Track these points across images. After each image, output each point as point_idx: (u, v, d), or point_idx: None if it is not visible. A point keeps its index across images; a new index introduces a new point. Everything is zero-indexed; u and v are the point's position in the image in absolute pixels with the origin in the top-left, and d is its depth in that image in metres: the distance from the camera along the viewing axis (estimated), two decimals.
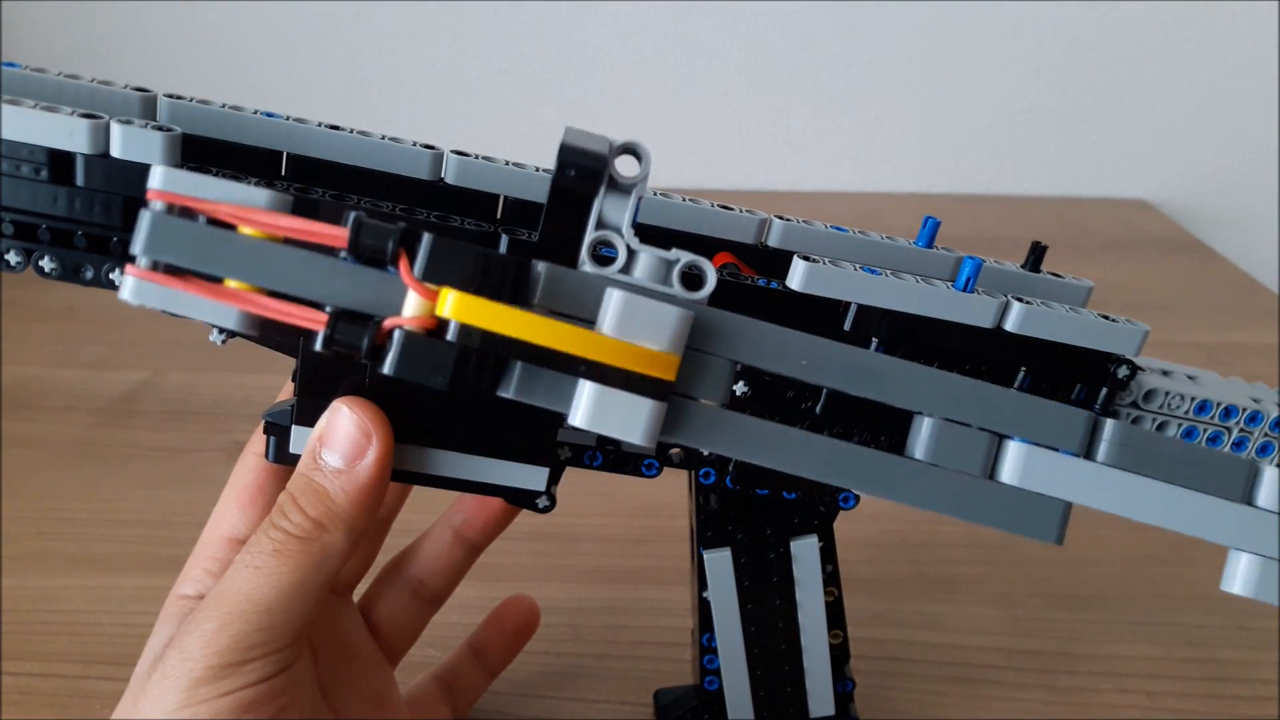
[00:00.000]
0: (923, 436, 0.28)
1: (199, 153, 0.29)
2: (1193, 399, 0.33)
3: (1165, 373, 0.35)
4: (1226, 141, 1.07)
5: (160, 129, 0.27)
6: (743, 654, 0.37)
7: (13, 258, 0.28)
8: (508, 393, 0.25)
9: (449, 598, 0.40)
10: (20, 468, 0.57)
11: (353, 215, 0.24)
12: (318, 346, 0.25)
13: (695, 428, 0.27)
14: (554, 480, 0.33)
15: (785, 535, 0.36)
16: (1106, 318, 0.31)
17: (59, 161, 0.27)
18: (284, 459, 0.31)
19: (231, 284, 0.25)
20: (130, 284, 0.24)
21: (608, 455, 0.34)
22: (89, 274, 0.29)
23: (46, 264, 0.28)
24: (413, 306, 0.24)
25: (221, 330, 0.30)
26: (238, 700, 0.28)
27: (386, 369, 0.24)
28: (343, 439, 0.29)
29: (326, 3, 0.98)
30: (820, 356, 0.27)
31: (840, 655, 0.38)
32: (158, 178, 0.24)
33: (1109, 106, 1.06)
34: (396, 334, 0.24)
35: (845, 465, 0.28)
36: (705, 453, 0.35)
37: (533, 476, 0.32)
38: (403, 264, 0.24)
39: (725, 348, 0.27)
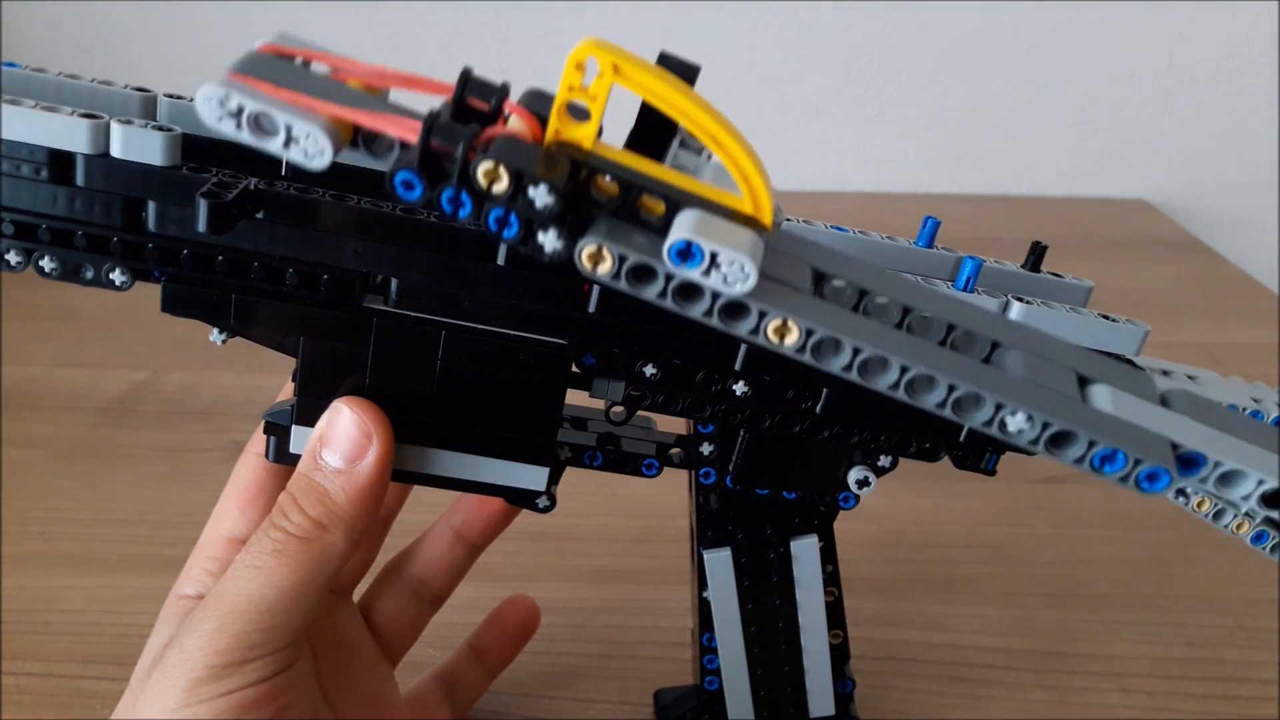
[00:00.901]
0: (1013, 360, 0.25)
1: (199, 152, 0.29)
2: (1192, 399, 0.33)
3: (1165, 373, 0.35)
4: (1226, 141, 1.07)
5: (160, 129, 0.27)
6: (743, 654, 0.37)
7: (13, 258, 0.28)
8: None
9: (449, 598, 0.40)
10: (20, 468, 0.57)
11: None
12: (413, 160, 0.23)
13: (788, 303, 0.24)
14: (554, 480, 0.33)
15: (785, 535, 0.36)
16: (1107, 318, 0.31)
17: (59, 161, 0.27)
18: (284, 459, 0.31)
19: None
20: (210, 89, 0.22)
21: (608, 455, 0.34)
22: (89, 274, 0.29)
23: (47, 264, 0.28)
24: (515, 124, 0.24)
25: (222, 330, 0.30)
26: (238, 700, 0.28)
27: (487, 159, 0.22)
28: (343, 439, 0.29)
29: (326, 3, 0.98)
30: (882, 278, 0.25)
31: (840, 655, 0.38)
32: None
33: (1109, 106, 1.06)
34: (499, 139, 0.23)
35: (938, 361, 0.25)
36: (706, 452, 0.35)
37: (533, 476, 0.32)
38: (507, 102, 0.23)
39: (801, 249, 0.26)
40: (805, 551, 0.36)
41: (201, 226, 0.25)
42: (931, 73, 1.05)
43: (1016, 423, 0.23)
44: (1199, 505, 0.36)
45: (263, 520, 0.30)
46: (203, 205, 0.25)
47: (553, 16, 1.01)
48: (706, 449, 0.35)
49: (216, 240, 0.28)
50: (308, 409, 0.30)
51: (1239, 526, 0.36)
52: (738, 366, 0.31)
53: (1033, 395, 0.23)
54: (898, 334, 0.25)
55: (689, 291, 0.23)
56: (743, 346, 0.31)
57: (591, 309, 0.30)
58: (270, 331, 0.30)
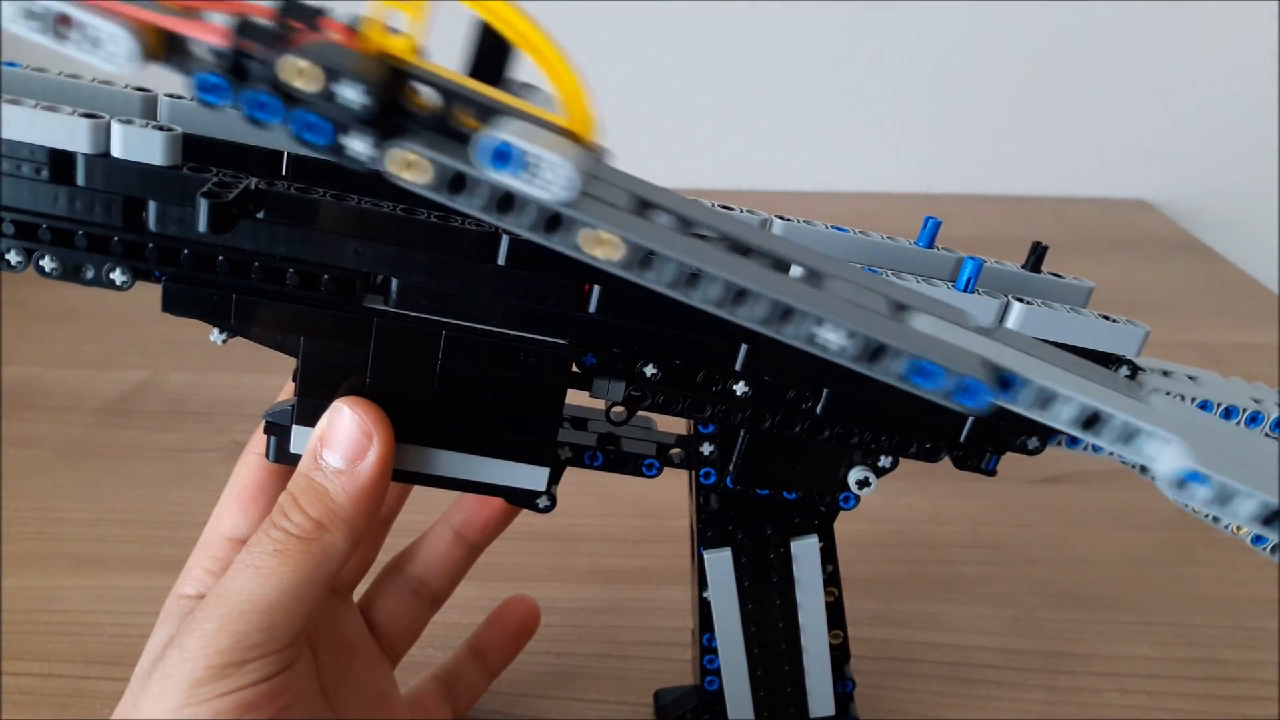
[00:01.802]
0: (836, 287, 0.26)
1: (199, 152, 0.29)
2: (1193, 399, 0.33)
3: (1166, 373, 0.35)
4: (1226, 141, 1.07)
5: (161, 129, 0.27)
6: (743, 654, 0.37)
7: (13, 257, 0.28)
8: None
9: (449, 598, 0.40)
10: (20, 468, 0.57)
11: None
12: (218, 61, 0.22)
13: (611, 216, 0.24)
14: (554, 480, 0.33)
15: (785, 535, 0.36)
16: (1107, 318, 0.31)
17: (60, 161, 0.27)
18: (284, 459, 0.31)
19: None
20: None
21: (608, 455, 0.34)
22: (89, 274, 0.29)
23: (47, 264, 0.28)
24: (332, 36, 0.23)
25: (222, 330, 0.30)
26: (238, 700, 0.28)
27: (298, 57, 0.22)
28: (344, 439, 0.29)
29: (326, 3, 0.98)
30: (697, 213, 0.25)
31: (840, 655, 0.38)
32: None
33: (1109, 106, 1.06)
34: (313, 41, 0.22)
35: (762, 278, 0.24)
36: (706, 452, 0.35)
37: (533, 476, 0.32)
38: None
39: (623, 180, 0.25)
40: (805, 552, 0.36)
41: (202, 226, 0.25)
42: (932, 73, 1.05)
43: (836, 339, 0.23)
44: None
45: (263, 520, 0.30)
46: (203, 205, 0.25)
47: (552, 16, 1.01)
48: (707, 449, 0.35)
49: (217, 240, 0.28)
50: (308, 409, 0.30)
51: (1239, 528, 0.36)
52: (738, 367, 0.31)
53: (851, 313, 0.23)
54: (722, 252, 0.25)
55: (508, 203, 0.23)
56: (743, 347, 0.31)
57: (592, 309, 0.30)
58: (271, 331, 0.30)
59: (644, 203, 0.25)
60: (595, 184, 0.24)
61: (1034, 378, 0.23)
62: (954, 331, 0.25)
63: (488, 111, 0.23)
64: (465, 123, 0.23)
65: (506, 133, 0.22)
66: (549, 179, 0.22)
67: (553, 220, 0.23)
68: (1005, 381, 0.23)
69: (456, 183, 0.22)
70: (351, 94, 0.22)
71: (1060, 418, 0.23)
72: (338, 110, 0.22)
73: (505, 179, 0.22)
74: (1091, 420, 0.23)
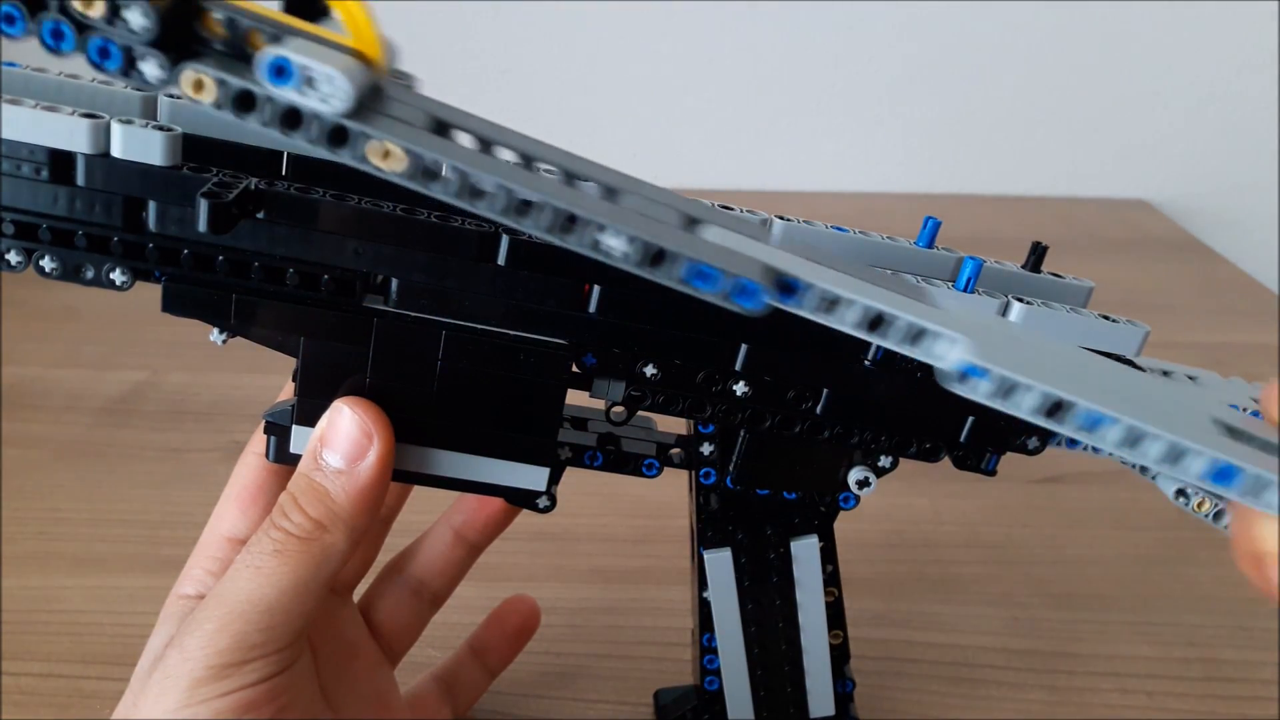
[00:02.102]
0: (625, 200, 0.26)
1: (200, 152, 0.29)
2: None
3: (1166, 373, 0.35)
4: (1226, 141, 1.07)
5: (161, 129, 0.27)
6: (743, 654, 0.37)
7: (13, 257, 0.28)
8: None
9: (449, 598, 0.40)
10: (20, 468, 0.57)
11: None
12: None
13: (393, 129, 0.24)
14: (554, 480, 0.33)
15: (785, 535, 0.36)
16: (1107, 318, 0.31)
17: (59, 161, 0.27)
18: (284, 459, 0.31)
19: None
20: None
21: (608, 455, 0.34)
22: (89, 274, 0.29)
23: (47, 264, 0.28)
24: None
25: (222, 331, 0.30)
26: (238, 700, 0.28)
27: None
28: (344, 439, 0.29)
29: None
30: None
31: (840, 655, 0.38)
32: None
33: (1109, 106, 1.06)
34: None
35: (544, 186, 0.24)
36: (706, 452, 0.35)
37: (533, 476, 0.32)
38: None
39: (422, 102, 0.26)
40: (805, 552, 0.36)
41: (202, 226, 0.25)
42: (931, 73, 1.05)
43: (618, 244, 0.23)
44: (1199, 506, 0.36)
45: (263, 520, 0.30)
46: (203, 205, 0.25)
47: (552, 16, 1.01)
48: (707, 449, 0.35)
49: (217, 240, 0.28)
50: (308, 409, 0.30)
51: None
52: (738, 367, 0.31)
53: (634, 220, 0.24)
54: (508, 165, 0.25)
55: (293, 119, 0.23)
56: (743, 347, 0.31)
57: (592, 309, 0.30)
58: (271, 331, 0.30)
59: (442, 123, 0.26)
60: (390, 104, 0.24)
61: (816, 281, 0.23)
62: (739, 240, 0.25)
63: (276, 35, 0.23)
64: (255, 45, 0.23)
65: (286, 49, 0.22)
66: (327, 92, 0.22)
67: (338, 134, 0.23)
68: (788, 286, 0.23)
69: (244, 101, 0.23)
70: (136, 17, 0.22)
71: (846, 321, 0.23)
72: (124, 34, 0.22)
73: (286, 93, 0.22)
74: (876, 322, 0.23)
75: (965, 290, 0.30)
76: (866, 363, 0.31)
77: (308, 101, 0.22)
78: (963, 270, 0.30)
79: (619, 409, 0.32)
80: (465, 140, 0.26)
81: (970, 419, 0.32)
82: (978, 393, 0.21)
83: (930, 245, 0.32)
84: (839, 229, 0.32)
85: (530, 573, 0.52)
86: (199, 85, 0.23)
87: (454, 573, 0.40)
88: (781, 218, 0.32)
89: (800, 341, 0.31)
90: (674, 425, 0.36)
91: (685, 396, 0.32)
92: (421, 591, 0.39)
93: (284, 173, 0.30)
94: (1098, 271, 0.36)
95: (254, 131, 0.29)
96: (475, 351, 0.30)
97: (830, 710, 0.39)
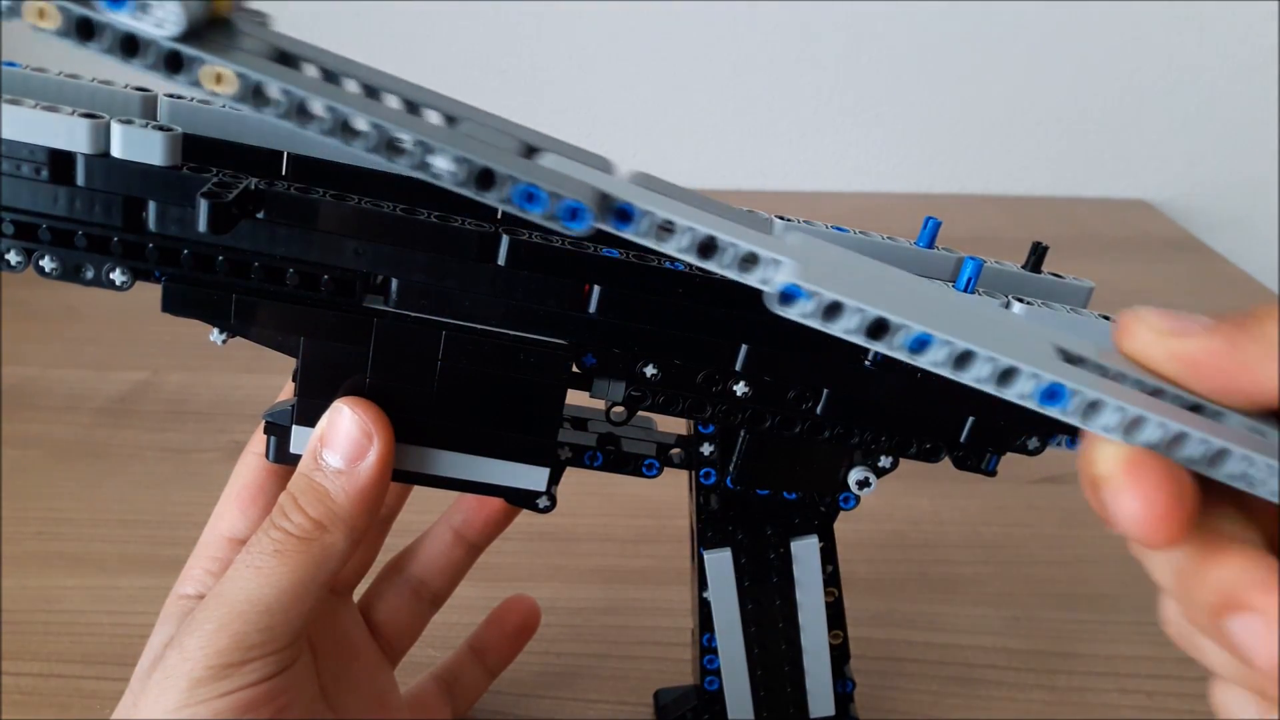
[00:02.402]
0: (462, 126, 0.26)
1: (200, 152, 0.29)
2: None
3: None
4: (1226, 141, 1.07)
5: (161, 129, 0.27)
6: (743, 654, 0.37)
7: (13, 257, 0.28)
8: None
9: (449, 597, 0.40)
10: (20, 468, 0.57)
11: None
12: None
13: (232, 55, 0.24)
14: (554, 480, 0.33)
15: (786, 535, 0.36)
16: (1107, 318, 0.31)
17: (59, 161, 0.27)
18: (284, 459, 0.31)
19: None
20: None
21: (608, 455, 0.34)
22: (89, 274, 0.29)
23: (47, 264, 0.28)
24: None
25: (222, 331, 0.30)
26: (237, 700, 0.28)
27: None
28: (344, 439, 0.29)
29: (326, 3, 0.98)
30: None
31: (840, 655, 0.38)
32: None
33: (1109, 106, 1.06)
34: None
35: (378, 111, 0.24)
36: (706, 452, 0.35)
37: (533, 477, 0.32)
38: None
39: (271, 36, 0.26)
40: (805, 552, 0.36)
41: (202, 226, 0.25)
42: (931, 72, 1.05)
43: (445, 165, 0.23)
44: None
45: (263, 520, 0.30)
46: (203, 205, 0.25)
47: (552, 16, 1.01)
48: (707, 449, 0.35)
49: (217, 240, 0.28)
50: (308, 409, 0.30)
51: None
52: (738, 367, 0.31)
53: (463, 142, 0.24)
54: (340, 90, 0.25)
55: (130, 45, 0.23)
56: (743, 347, 0.31)
57: (592, 309, 0.30)
58: (271, 331, 0.30)
59: (287, 54, 0.26)
60: (235, 36, 0.25)
61: (649, 207, 0.23)
62: (574, 167, 0.25)
63: None
64: None
65: None
66: (160, 16, 0.22)
67: (173, 59, 0.23)
68: (624, 213, 0.23)
69: (84, 28, 0.23)
70: None
71: (678, 246, 0.23)
72: None
73: (122, 18, 0.23)
74: (708, 248, 0.23)
75: (966, 290, 0.30)
76: (867, 363, 0.31)
77: (143, 26, 0.23)
78: (963, 270, 0.30)
79: (619, 409, 0.32)
80: (311, 71, 0.26)
81: (970, 419, 0.32)
82: (799, 313, 0.21)
83: (930, 245, 0.32)
84: (839, 229, 0.32)
85: (530, 572, 0.52)
86: (42, 14, 0.23)
87: (454, 572, 0.40)
88: (782, 218, 0.32)
89: (801, 342, 0.31)
90: (674, 425, 0.36)
91: (685, 397, 0.32)
92: (421, 591, 0.39)
93: (284, 173, 0.30)
94: (1098, 271, 0.36)
95: (254, 131, 0.30)
96: (475, 351, 0.30)
97: (830, 710, 0.39)
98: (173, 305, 0.29)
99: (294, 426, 0.31)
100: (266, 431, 0.31)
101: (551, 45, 1.02)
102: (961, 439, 0.33)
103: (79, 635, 0.47)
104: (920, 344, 0.21)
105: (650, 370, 0.31)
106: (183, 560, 0.33)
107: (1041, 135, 1.08)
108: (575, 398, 0.32)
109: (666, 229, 0.23)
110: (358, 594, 0.39)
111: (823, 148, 1.08)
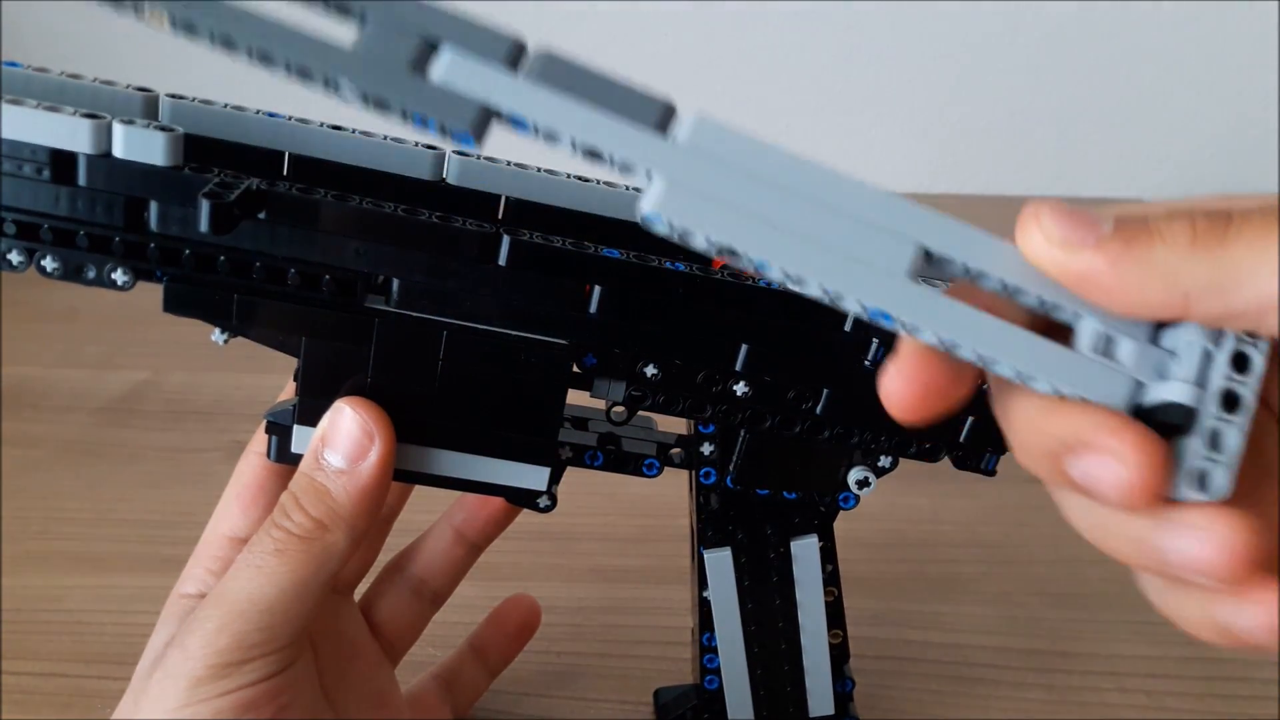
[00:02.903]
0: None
1: (201, 153, 0.29)
2: None
3: None
4: (1226, 141, 1.07)
5: (163, 129, 0.27)
6: (743, 653, 0.37)
7: (15, 257, 0.28)
8: None
9: (449, 597, 0.40)
10: (21, 468, 0.57)
11: None
12: None
13: None
14: (555, 480, 0.33)
15: (785, 535, 0.36)
16: None
17: (61, 161, 0.27)
18: (286, 459, 0.31)
19: None
20: None
21: (608, 455, 0.34)
22: (91, 274, 0.29)
23: (49, 264, 0.28)
24: None
25: (224, 330, 0.30)
26: (238, 699, 0.28)
27: None
28: (345, 439, 0.29)
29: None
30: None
31: (840, 655, 0.39)
32: None
33: (1109, 106, 1.06)
34: None
35: None
36: (706, 452, 0.35)
37: (534, 476, 0.32)
38: None
39: None
40: (805, 551, 0.36)
41: (204, 227, 0.25)
42: (931, 73, 1.05)
43: (349, 91, 0.23)
44: None
45: (264, 519, 0.30)
46: (205, 206, 0.25)
47: (552, 16, 1.01)
48: (707, 449, 0.35)
49: (218, 240, 0.28)
50: (310, 409, 0.30)
51: None
52: (738, 367, 0.31)
53: (358, 65, 0.24)
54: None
55: None
56: (744, 347, 0.31)
57: (593, 310, 0.30)
58: (272, 331, 0.30)
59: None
60: None
61: (535, 117, 0.23)
62: (471, 70, 0.24)
63: None
64: None
65: None
66: None
67: None
68: (516, 123, 0.23)
69: None
70: None
71: (569, 150, 0.22)
72: None
73: None
74: (593, 154, 0.22)
75: None
76: (866, 363, 0.31)
77: None
78: None
79: (619, 409, 0.32)
80: None
81: (970, 419, 0.33)
82: (660, 233, 0.21)
83: None
84: None
85: (530, 572, 0.52)
86: None
87: (455, 572, 0.40)
88: None
89: (801, 342, 0.31)
90: (674, 425, 0.36)
91: (686, 397, 0.32)
92: (422, 591, 0.39)
93: (285, 173, 0.30)
94: None
95: (256, 131, 0.30)
96: (476, 351, 0.30)
97: (830, 709, 0.39)
98: (174, 305, 0.29)
99: (295, 426, 0.31)
100: (268, 431, 0.31)
101: (551, 45, 1.02)
102: (961, 439, 0.33)
103: (79, 635, 0.47)
104: (760, 266, 0.21)
105: (651, 370, 0.31)
106: (183, 560, 0.33)
107: (1041, 135, 1.08)
108: (575, 397, 0.32)
109: (551, 136, 0.22)
110: (358, 593, 0.39)
111: (822, 148, 1.08)
